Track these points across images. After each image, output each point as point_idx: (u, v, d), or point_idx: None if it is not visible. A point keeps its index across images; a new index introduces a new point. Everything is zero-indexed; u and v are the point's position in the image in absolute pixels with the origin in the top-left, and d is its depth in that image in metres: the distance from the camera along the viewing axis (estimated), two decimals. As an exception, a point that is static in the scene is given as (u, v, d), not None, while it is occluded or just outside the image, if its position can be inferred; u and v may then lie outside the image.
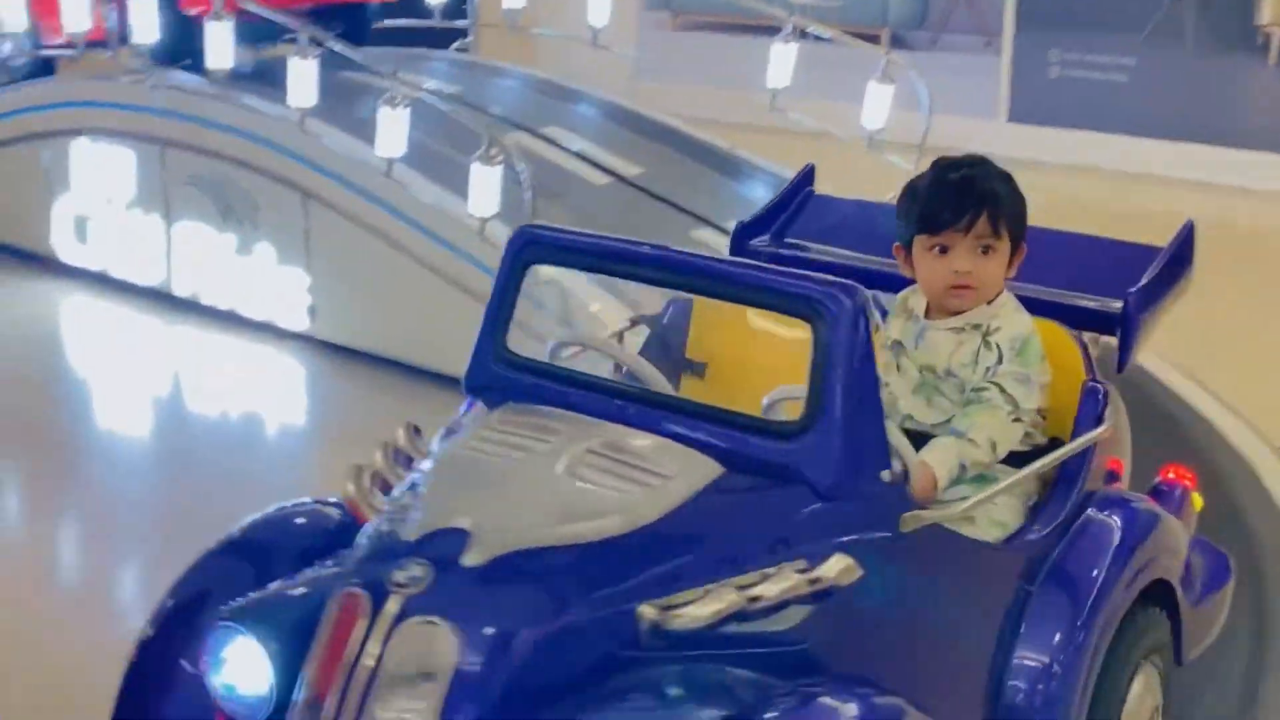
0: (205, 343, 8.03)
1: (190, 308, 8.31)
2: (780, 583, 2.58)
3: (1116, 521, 3.27)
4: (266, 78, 8.43)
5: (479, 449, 2.80)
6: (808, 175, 4.39)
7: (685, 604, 2.52)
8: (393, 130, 7.59)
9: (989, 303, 3.23)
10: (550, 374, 3.02)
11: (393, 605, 2.46)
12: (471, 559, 2.49)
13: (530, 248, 3.09)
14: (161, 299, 8.43)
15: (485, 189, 7.24)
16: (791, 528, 2.68)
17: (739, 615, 2.55)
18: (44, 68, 9.90)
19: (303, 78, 7.89)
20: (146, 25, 8.67)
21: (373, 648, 2.45)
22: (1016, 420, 3.14)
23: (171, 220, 8.41)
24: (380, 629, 2.46)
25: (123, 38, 8.80)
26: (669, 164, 8.42)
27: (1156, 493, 3.72)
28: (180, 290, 8.40)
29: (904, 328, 3.35)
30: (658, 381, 3.20)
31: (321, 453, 6.69)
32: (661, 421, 2.81)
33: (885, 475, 2.74)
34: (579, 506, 2.60)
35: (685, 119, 9.17)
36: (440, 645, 2.41)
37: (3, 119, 9.17)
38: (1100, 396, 3.33)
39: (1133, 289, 3.54)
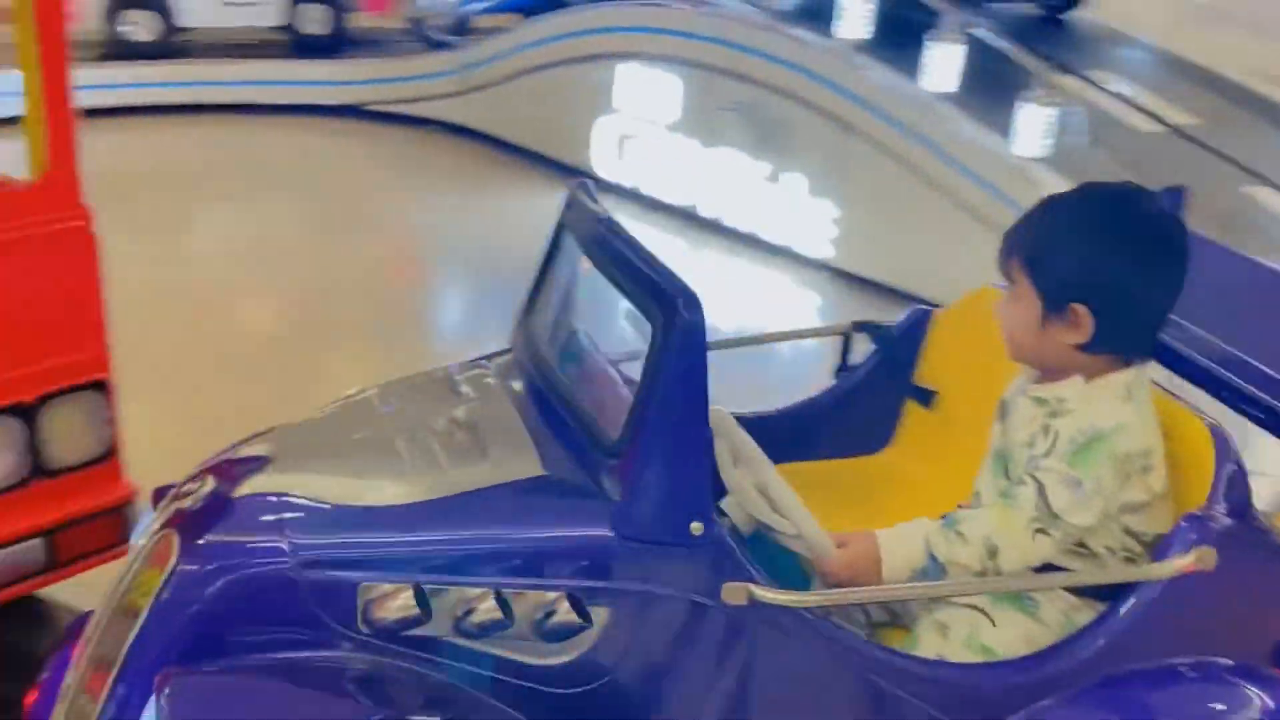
0: (725, 263, 8.06)
1: (714, 228, 8.36)
2: (490, 602, 2.17)
3: (1146, 695, 2.28)
4: (812, 10, 8.34)
5: (381, 393, 2.58)
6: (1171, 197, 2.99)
7: (399, 595, 2.18)
8: (943, 66, 7.46)
9: (1088, 379, 2.37)
10: (526, 346, 2.62)
11: (167, 510, 2.33)
12: (244, 488, 2.29)
13: (569, 209, 2.63)
14: (687, 218, 8.50)
15: (1033, 130, 6.99)
16: (586, 555, 2.21)
17: (461, 628, 2.19)
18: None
19: (853, 10, 7.81)
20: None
21: (138, 551, 2.34)
22: (1041, 533, 2.30)
23: (708, 144, 8.45)
24: (150, 534, 2.33)
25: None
26: (1225, 116, 7.91)
27: None
28: (706, 212, 8.44)
29: (1015, 385, 2.55)
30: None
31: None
32: (543, 412, 2.42)
33: (695, 527, 2.18)
34: (373, 468, 2.34)
35: (1242, 70, 8.64)
36: (160, 562, 2.22)
37: (555, 41, 9.41)
38: (1197, 530, 2.29)
39: None
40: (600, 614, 2.19)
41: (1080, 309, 2.29)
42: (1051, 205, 2.40)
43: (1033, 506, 2.27)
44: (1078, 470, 2.26)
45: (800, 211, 7.98)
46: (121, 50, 11.33)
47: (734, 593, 2.16)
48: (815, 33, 8.08)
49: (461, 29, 10.92)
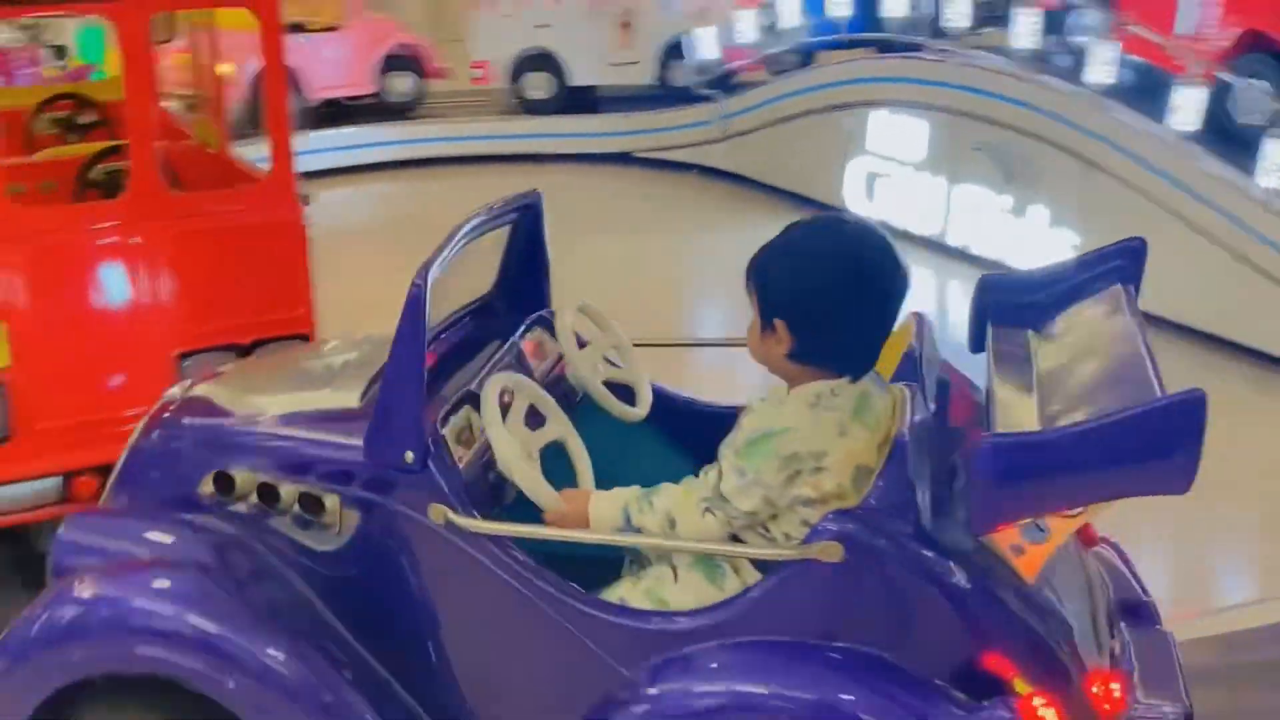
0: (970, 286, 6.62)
1: (959, 255, 6.85)
2: (231, 495, 2.23)
3: (750, 657, 1.87)
4: (1054, 58, 6.80)
5: (337, 340, 2.72)
6: (1130, 251, 2.16)
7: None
8: (1189, 106, 5.80)
9: (792, 386, 1.99)
10: None
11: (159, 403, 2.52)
12: (195, 391, 2.48)
13: None
14: (934, 247, 7.01)
15: (1277, 162, 5.36)
16: (341, 467, 2.16)
17: (264, 513, 2.21)
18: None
19: (1102, 59, 6.19)
20: (959, 13, 7.39)
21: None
22: (709, 512, 1.97)
23: (954, 181, 6.94)
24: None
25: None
26: None
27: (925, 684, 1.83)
28: (953, 241, 6.94)
29: None
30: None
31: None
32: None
33: (407, 456, 2.06)
34: (272, 389, 2.47)
35: None
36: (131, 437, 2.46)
37: (810, 92, 8.08)
38: (831, 525, 1.85)
39: (991, 435, 1.74)
40: (354, 516, 2.13)
41: (780, 324, 1.95)
42: (782, 233, 2.02)
43: (709, 488, 1.97)
44: (744, 462, 1.94)
45: (1043, 242, 6.33)
46: (523, 106, 10.87)
47: (436, 513, 2.05)
48: (1059, 79, 6.46)
49: (805, 63, 9.29)
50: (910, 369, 2.12)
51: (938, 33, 7.50)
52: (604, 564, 2.14)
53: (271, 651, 2.05)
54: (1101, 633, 2.07)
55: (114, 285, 3.42)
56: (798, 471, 1.91)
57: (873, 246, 1.93)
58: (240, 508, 2.22)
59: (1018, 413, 1.89)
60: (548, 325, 2.55)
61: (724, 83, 9.21)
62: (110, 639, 2.09)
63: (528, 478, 2.09)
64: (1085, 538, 2.28)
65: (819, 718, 1.79)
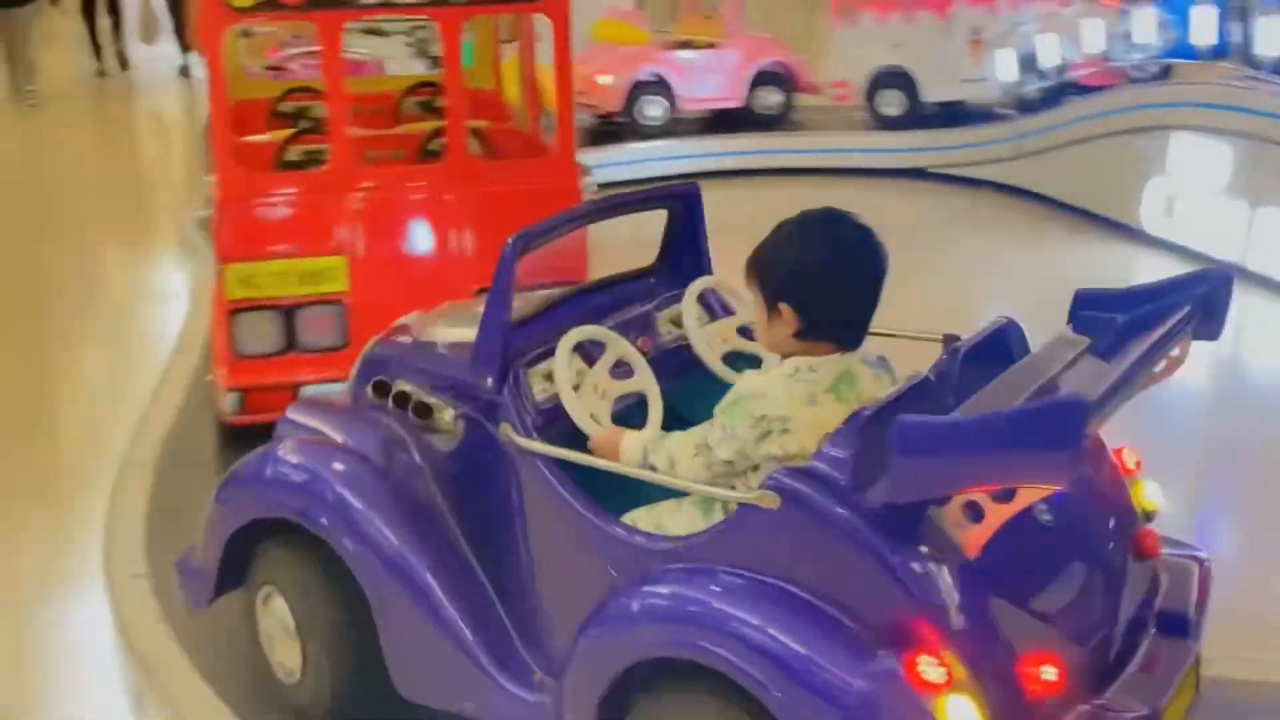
0: (1268, 312, 6.38)
1: (1260, 281, 6.57)
2: (385, 399, 2.68)
3: (690, 581, 2.14)
4: None
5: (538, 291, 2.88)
6: (1214, 278, 2.33)
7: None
8: None
9: (783, 359, 2.23)
10: None
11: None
12: (408, 319, 2.90)
13: None
14: (1235, 271, 6.88)
15: None
16: (461, 384, 2.55)
17: (405, 417, 2.64)
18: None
19: None
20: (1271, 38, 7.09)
21: None
22: (698, 457, 2.23)
23: (1255, 205, 6.67)
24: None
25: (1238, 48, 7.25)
26: None
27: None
28: (1254, 266, 6.66)
29: None
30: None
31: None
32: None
33: (484, 381, 2.47)
34: (445, 325, 2.78)
35: None
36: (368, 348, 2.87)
37: (1111, 115, 7.94)
38: (775, 479, 2.06)
39: (906, 418, 1.86)
40: (462, 426, 2.52)
41: (785, 307, 2.18)
42: (775, 229, 2.24)
43: (702, 436, 2.21)
44: (725, 417, 2.19)
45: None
46: (876, 122, 11.06)
47: (504, 430, 2.42)
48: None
49: (1162, 76, 8.85)
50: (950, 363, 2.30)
51: (1249, 60, 7.35)
52: (651, 497, 2.39)
53: (397, 533, 2.50)
54: (1113, 632, 2.13)
55: (429, 232, 4.18)
56: (768, 432, 2.13)
57: (857, 230, 2.18)
58: (392, 409, 2.62)
59: (1001, 399, 2.00)
60: (698, 298, 2.82)
61: (1065, 92, 9.13)
62: (291, 491, 2.61)
63: (573, 408, 2.42)
64: (1145, 548, 2.30)
65: (717, 626, 2.02)
